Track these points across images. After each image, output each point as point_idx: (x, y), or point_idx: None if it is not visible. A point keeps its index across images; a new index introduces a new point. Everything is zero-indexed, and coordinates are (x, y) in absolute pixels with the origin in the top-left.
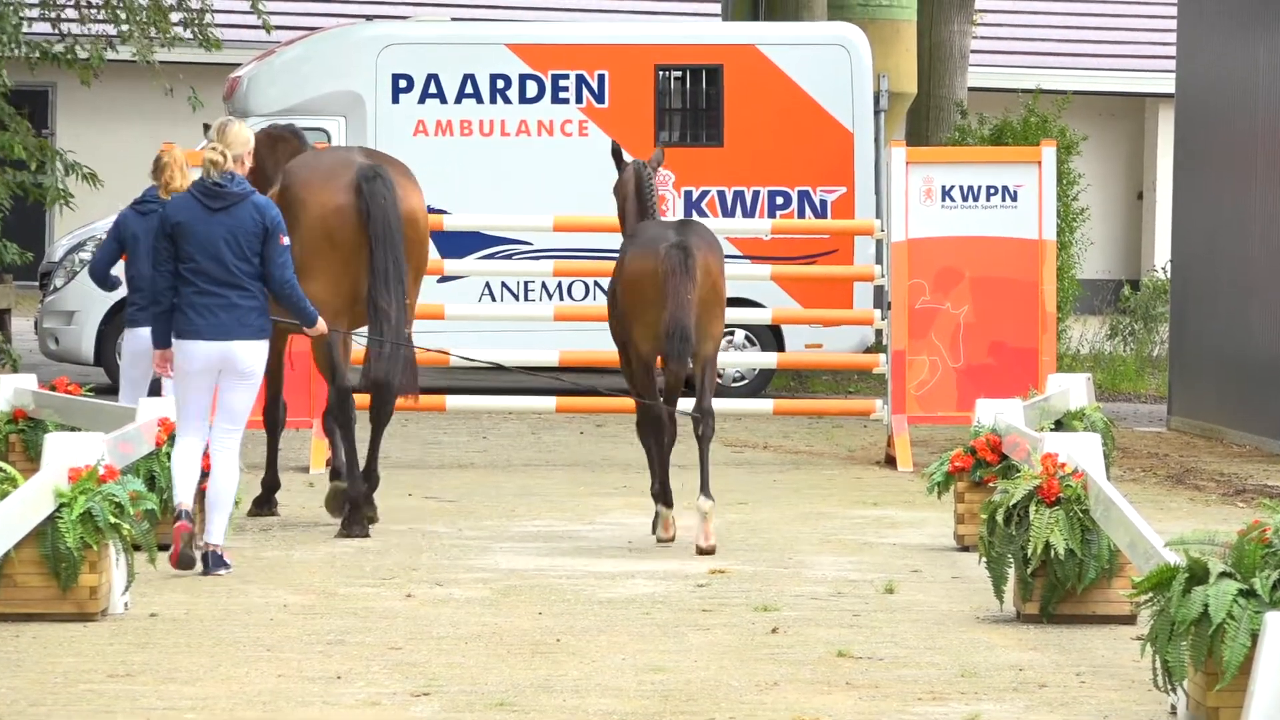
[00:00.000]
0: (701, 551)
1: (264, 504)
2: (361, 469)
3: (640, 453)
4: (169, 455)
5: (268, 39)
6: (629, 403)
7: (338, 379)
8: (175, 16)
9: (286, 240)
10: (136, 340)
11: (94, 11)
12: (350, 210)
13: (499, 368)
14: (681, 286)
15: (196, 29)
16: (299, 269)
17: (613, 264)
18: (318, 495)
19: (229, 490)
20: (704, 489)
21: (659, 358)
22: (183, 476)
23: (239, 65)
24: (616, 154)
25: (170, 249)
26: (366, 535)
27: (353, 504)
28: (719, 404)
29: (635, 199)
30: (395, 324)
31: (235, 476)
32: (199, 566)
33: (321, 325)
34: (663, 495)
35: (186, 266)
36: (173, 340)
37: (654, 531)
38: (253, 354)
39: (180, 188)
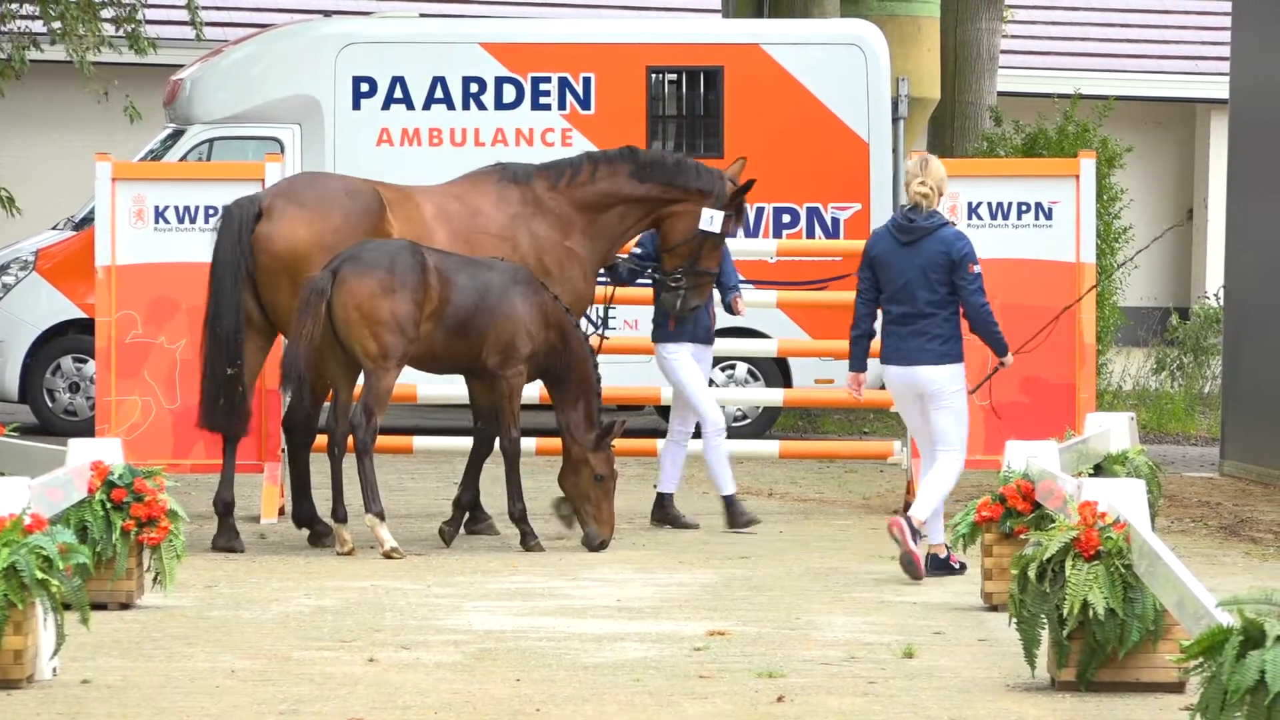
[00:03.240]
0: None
1: (226, 532)
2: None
3: (631, 500)
4: (102, 503)
5: (211, 39)
6: (622, 444)
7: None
8: (107, 14)
9: (977, 269)
10: None
11: (17, 6)
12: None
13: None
14: (301, 325)
15: (127, 28)
16: None
17: (606, 290)
18: (269, 547)
19: (929, 489)
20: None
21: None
22: (920, 487)
23: (181, 67)
24: None
25: (870, 278)
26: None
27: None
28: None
29: None
30: (210, 370)
31: (940, 481)
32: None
33: (1010, 357)
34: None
35: (883, 296)
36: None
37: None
38: (937, 377)
39: None
